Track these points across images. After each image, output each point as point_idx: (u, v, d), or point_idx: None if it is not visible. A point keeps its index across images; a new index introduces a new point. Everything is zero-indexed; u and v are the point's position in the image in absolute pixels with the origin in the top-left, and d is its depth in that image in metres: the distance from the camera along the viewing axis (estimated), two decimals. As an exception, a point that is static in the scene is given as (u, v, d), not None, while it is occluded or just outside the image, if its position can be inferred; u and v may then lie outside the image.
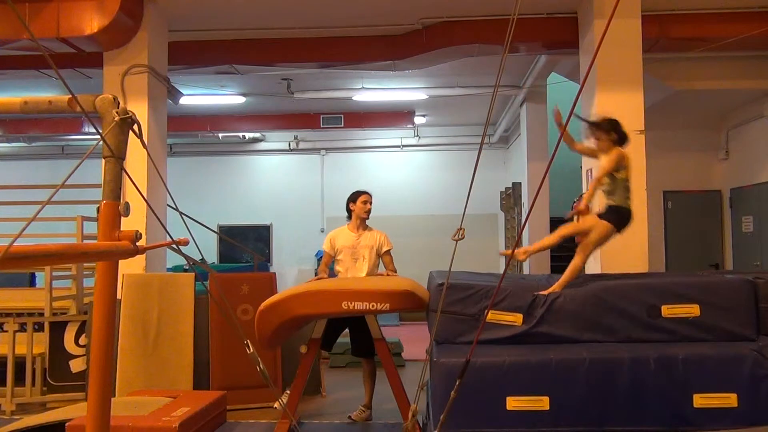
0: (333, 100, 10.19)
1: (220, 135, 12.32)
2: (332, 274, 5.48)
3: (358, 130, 12.21)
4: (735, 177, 8.71)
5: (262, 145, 13.43)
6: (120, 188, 2.20)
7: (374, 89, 9.68)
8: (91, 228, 6.22)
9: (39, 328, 5.97)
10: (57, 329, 5.93)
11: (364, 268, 5.35)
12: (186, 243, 2.50)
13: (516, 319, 3.87)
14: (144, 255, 5.00)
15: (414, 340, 8.04)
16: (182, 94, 7.62)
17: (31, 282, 9.42)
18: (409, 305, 4.40)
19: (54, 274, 6.50)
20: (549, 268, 8.87)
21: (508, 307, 3.88)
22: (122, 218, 2.19)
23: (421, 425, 4.43)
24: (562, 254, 6.01)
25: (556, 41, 6.91)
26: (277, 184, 13.38)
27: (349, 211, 5.52)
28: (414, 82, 9.41)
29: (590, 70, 5.97)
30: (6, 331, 5.93)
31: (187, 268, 7.27)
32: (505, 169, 12.86)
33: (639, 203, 5.05)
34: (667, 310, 3.83)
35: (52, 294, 6.29)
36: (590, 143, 4.38)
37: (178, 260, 8.58)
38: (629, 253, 5.61)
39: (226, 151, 13.28)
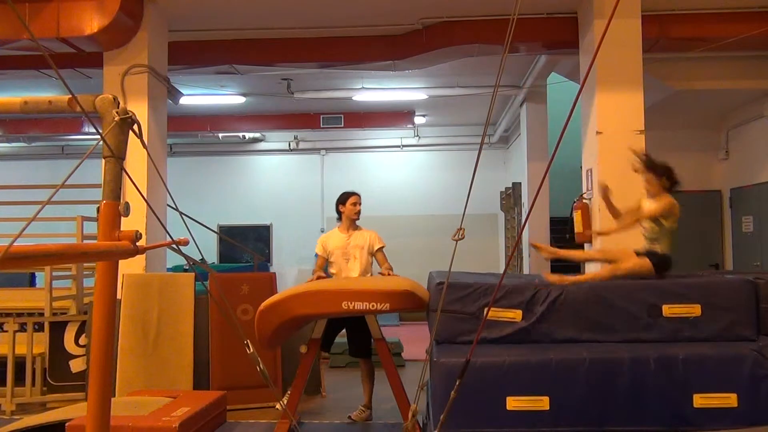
0: (333, 100, 10.18)
1: (220, 135, 12.31)
2: (329, 276, 5.48)
3: (358, 130, 12.20)
4: (735, 177, 8.70)
5: (262, 145, 13.42)
6: (120, 188, 2.20)
7: (374, 89, 9.67)
8: (91, 228, 6.22)
9: (39, 328, 5.97)
10: (57, 329, 5.93)
11: (356, 268, 5.36)
12: (186, 243, 2.51)
13: (515, 315, 3.88)
14: (144, 255, 5.01)
15: (414, 340, 8.04)
16: (182, 94, 7.62)
17: (31, 282, 9.41)
18: (409, 305, 4.40)
19: (54, 274, 6.50)
20: (549, 267, 8.85)
21: (507, 304, 3.89)
22: (122, 218, 2.19)
23: (421, 425, 4.43)
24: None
25: (556, 41, 6.91)
26: (277, 184, 13.36)
27: (339, 212, 5.53)
28: (414, 82, 9.40)
29: (590, 70, 5.97)
30: (6, 331, 5.93)
31: (187, 268, 7.26)
32: (505, 169, 12.85)
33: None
34: (667, 310, 3.84)
35: (52, 294, 6.29)
36: (642, 183, 4.34)
37: (178, 260, 8.57)
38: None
39: (226, 151, 13.28)
